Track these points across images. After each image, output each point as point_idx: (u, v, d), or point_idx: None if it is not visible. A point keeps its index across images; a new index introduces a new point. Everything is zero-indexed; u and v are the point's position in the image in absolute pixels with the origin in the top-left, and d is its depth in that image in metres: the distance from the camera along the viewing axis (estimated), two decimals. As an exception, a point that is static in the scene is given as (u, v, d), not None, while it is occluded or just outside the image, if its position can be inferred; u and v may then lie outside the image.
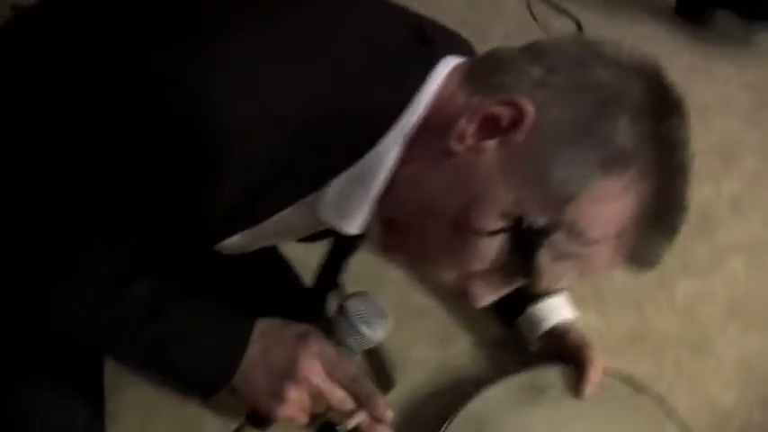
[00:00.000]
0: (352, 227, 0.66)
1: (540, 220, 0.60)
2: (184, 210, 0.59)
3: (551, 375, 1.03)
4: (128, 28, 0.60)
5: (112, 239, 0.61)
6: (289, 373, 0.69)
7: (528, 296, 1.04)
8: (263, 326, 0.71)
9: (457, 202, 0.61)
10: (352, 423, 0.73)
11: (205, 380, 0.70)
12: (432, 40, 0.65)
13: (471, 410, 0.99)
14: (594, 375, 1.00)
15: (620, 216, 0.61)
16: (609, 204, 0.60)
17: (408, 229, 0.65)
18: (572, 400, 1.01)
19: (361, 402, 0.71)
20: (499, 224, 0.60)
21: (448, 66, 0.64)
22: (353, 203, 0.64)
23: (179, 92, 0.54)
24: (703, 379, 1.18)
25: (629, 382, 1.04)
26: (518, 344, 1.10)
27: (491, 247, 0.62)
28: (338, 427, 0.75)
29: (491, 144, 0.60)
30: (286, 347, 0.70)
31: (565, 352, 1.03)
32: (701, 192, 1.42)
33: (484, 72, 0.63)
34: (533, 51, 0.62)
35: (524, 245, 0.61)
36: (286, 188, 0.62)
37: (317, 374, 0.70)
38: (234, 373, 0.69)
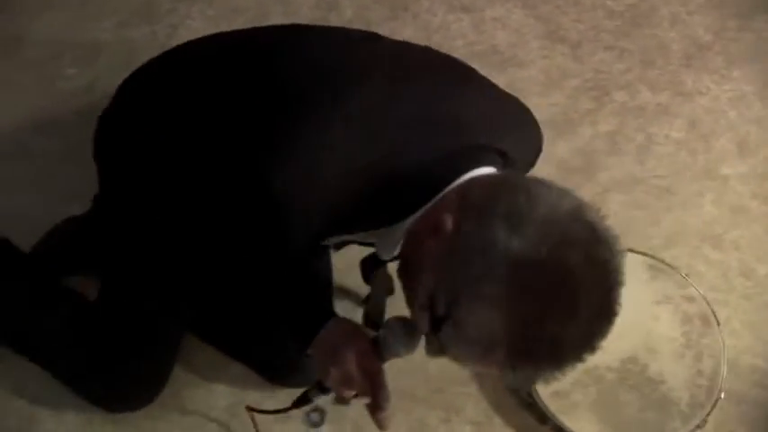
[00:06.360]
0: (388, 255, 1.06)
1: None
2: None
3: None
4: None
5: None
6: (333, 358, 1.01)
7: None
8: (335, 322, 1.05)
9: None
10: (357, 402, 1.02)
11: (296, 337, 1.05)
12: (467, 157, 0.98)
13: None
14: None
15: None
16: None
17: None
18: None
19: (373, 390, 0.99)
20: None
21: (466, 176, 0.96)
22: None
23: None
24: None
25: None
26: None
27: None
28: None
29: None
30: (338, 339, 1.02)
31: None
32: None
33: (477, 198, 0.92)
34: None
35: None
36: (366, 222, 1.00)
37: (350, 363, 0.99)
38: (310, 341, 1.03)
